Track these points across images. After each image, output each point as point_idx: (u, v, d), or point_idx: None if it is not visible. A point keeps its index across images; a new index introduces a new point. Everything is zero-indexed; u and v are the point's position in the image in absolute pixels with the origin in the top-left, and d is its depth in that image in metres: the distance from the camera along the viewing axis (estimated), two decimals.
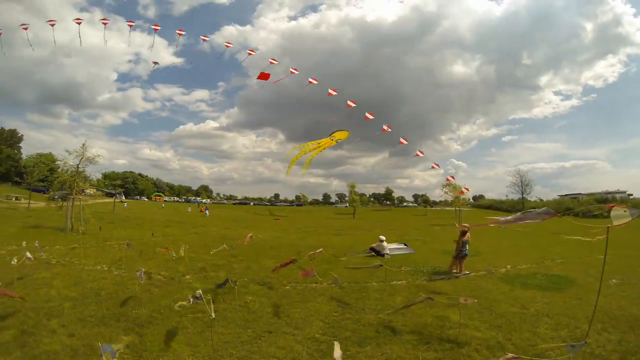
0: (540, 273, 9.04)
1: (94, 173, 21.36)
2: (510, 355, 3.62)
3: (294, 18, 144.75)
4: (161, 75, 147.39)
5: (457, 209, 37.10)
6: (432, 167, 12.26)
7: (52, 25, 13.91)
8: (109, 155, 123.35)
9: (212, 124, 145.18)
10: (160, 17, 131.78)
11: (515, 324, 5.32)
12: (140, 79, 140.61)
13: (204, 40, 12.89)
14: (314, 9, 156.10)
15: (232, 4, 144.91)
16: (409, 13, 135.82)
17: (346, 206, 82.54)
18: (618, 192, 59.61)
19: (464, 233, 8.91)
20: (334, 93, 9.28)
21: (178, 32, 13.77)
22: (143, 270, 6.25)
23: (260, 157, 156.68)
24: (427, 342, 4.68)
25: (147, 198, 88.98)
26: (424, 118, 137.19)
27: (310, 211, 75.18)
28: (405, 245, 13.84)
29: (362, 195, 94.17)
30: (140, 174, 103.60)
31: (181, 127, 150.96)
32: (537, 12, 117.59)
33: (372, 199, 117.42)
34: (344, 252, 12.70)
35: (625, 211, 3.19)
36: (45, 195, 35.30)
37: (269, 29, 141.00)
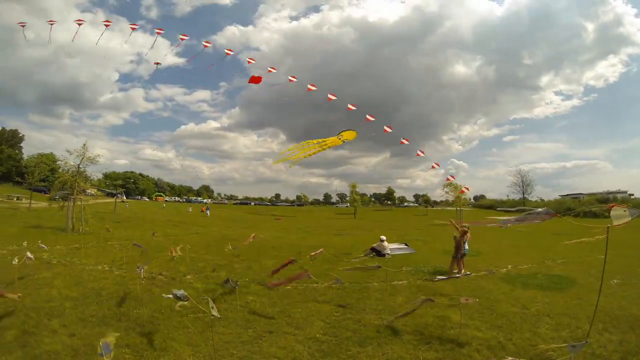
0: (541, 273, 9.03)
1: (95, 173, 21.44)
2: (510, 359, 3.62)
3: (296, 18, 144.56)
4: (163, 75, 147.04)
5: (458, 208, 37.10)
6: (432, 167, 12.25)
7: (52, 24, 13.89)
8: (110, 155, 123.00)
9: (214, 124, 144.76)
10: (163, 18, 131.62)
11: (516, 324, 5.32)
12: (142, 79, 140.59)
13: (205, 46, 12.80)
14: (316, 9, 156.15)
15: (234, 5, 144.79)
16: (411, 13, 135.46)
17: (347, 206, 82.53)
18: (619, 192, 59.55)
19: (464, 233, 8.91)
20: (334, 97, 9.25)
21: (181, 37, 13.73)
22: (143, 266, 6.28)
23: (261, 157, 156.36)
24: (428, 342, 4.68)
25: (148, 198, 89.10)
26: (426, 118, 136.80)
27: (311, 211, 75.21)
28: (406, 245, 13.83)
29: (363, 195, 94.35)
30: (141, 174, 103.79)
31: (182, 127, 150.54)
32: (538, 13, 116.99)
33: (373, 199, 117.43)
34: (353, 255, 12.63)
35: (625, 211, 3.19)
36: (46, 195, 35.44)
37: (271, 29, 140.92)
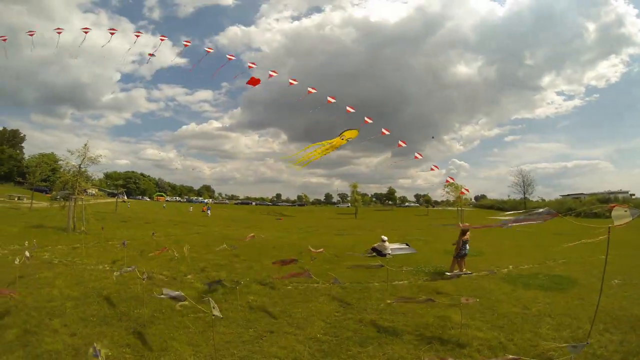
0: (542, 273, 9.02)
1: (96, 173, 21.44)
2: (511, 357, 3.62)
3: (298, 18, 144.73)
4: (165, 75, 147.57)
5: (459, 208, 37.07)
6: (432, 169, 12.25)
7: (59, 33, 13.98)
8: (111, 155, 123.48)
9: (215, 124, 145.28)
10: (166, 19, 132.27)
11: (517, 324, 5.31)
12: (144, 79, 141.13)
13: (208, 51, 12.83)
14: (318, 10, 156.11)
15: (237, 5, 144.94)
16: (413, 13, 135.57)
17: (348, 206, 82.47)
18: (620, 192, 59.49)
19: (463, 232, 8.90)
20: (333, 100, 9.23)
21: (185, 42, 13.84)
22: (136, 267, 6.32)
23: (262, 157, 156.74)
24: (428, 342, 4.68)
25: (149, 198, 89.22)
26: (428, 118, 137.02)
27: (312, 211, 75.24)
28: (407, 245, 13.82)
29: (364, 195, 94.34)
30: (142, 174, 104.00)
31: (184, 127, 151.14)
32: (539, 13, 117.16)
33: (374, 199, 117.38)
34: (361, 252, 12.64)
35: (626, 211, 3.19)
36: (47, 195, 35.50)
37: (273, 30, 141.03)
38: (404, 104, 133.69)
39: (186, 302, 4.86)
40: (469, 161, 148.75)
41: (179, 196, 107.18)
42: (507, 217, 5.21)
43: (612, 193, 59.21)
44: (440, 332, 5.05)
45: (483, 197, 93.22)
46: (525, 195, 65.92)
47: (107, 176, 77.77)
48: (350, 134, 8.83)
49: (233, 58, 11.87)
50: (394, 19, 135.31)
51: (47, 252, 10.97)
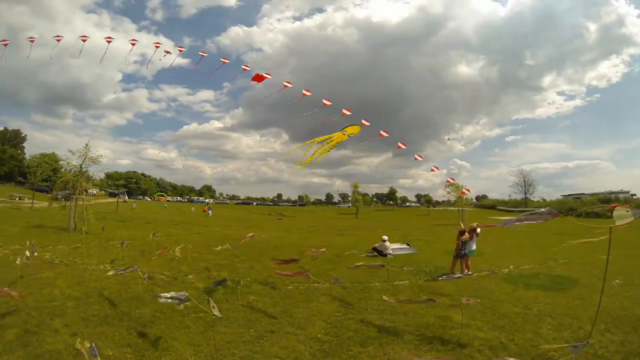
0: (543, 273, 9.01)
1: (97, 173, 21.46)
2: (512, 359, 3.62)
3: (299, 19, 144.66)
4: (166, 75, 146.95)
5: (460, 208, 37.00)
6: (432, 170, 12.25)
7: (59, 40, 14.25)
8: (112, 155, 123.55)
9: (217, 124, 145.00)
10: (168, 20, 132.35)
11: (518, 325, 5.30)
12: (146, 79, 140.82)
13: (202, 56, 13.11)
14: (320, 10, 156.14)
15: (239, 6, 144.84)
16: (415, 14, 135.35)
17: (349, 206, 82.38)
18: (621, 192, 59.28)
19: (462, 233, 8.88)
20: (329, 103, 9.25)
21: (179, 48, 14.27)
22: (137, 267, 6.34)
23: (263, 157, 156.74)
24: (429, 342, 4.68)
25: (150, 198, 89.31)
26: (429, 118, 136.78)
27: (313, 211, 75.20)
28: (407, 245, 13.82)
29: (365, 195, 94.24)
30: (143, 174, 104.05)
31: (185, 127, 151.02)
32: (541, 13, 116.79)
33: (375, 199, 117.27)
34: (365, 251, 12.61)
35: (627, 211, 3.18)
36: (48, 195, 35.51)
37: (275, 30, 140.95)
38: (404, 104, 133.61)
39: (188, 302, 4.87)
40: (470, 161, 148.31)
41: (180, 196, 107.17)
42: (507, 217, 5.22)
43: (613, 193, 59.04)
44: (441, 332, 5.04)
45: (484, 197, 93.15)
46: (527, 195, 65.94)
47: (108, 176, 77.82)
48: (352, 130, 8.86)
49: (227, 61, 12.25)
50: (396, 19, 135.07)
51: (48, 252, 10.99)
